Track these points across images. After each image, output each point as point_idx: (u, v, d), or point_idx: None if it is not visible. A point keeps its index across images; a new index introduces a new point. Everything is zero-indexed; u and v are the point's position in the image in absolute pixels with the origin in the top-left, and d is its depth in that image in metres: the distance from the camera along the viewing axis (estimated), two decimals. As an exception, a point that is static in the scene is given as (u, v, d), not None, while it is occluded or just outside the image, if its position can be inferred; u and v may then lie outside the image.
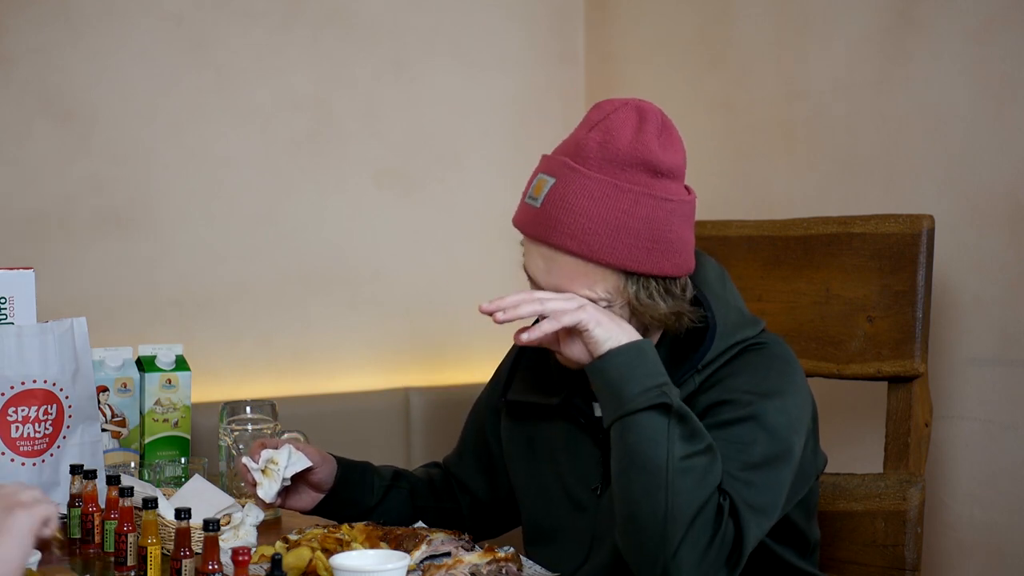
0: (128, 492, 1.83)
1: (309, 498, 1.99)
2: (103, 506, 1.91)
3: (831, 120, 2.79)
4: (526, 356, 2.01)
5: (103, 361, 2.37)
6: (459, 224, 3.37)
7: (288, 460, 1.89)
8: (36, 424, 2.11)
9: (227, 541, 1.84)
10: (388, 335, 3.30)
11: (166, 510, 1.86)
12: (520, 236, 1.83)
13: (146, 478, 2.21)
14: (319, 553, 1.68)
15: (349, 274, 3.26)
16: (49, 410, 2.12)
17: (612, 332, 1.70)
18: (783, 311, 2.36)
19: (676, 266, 1.78)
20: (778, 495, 1.75)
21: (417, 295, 3.34)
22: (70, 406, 2.14)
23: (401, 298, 3.32)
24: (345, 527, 1.81)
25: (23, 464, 2.10)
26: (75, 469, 2.02)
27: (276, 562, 1.49)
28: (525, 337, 1.70)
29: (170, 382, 2.43)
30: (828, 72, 2.80)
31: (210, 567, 1.56)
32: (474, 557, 1.68)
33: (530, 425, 1.97)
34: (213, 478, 2.13)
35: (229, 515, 1.89)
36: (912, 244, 2.20)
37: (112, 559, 1.85)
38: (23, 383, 2.10)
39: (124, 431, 2.38)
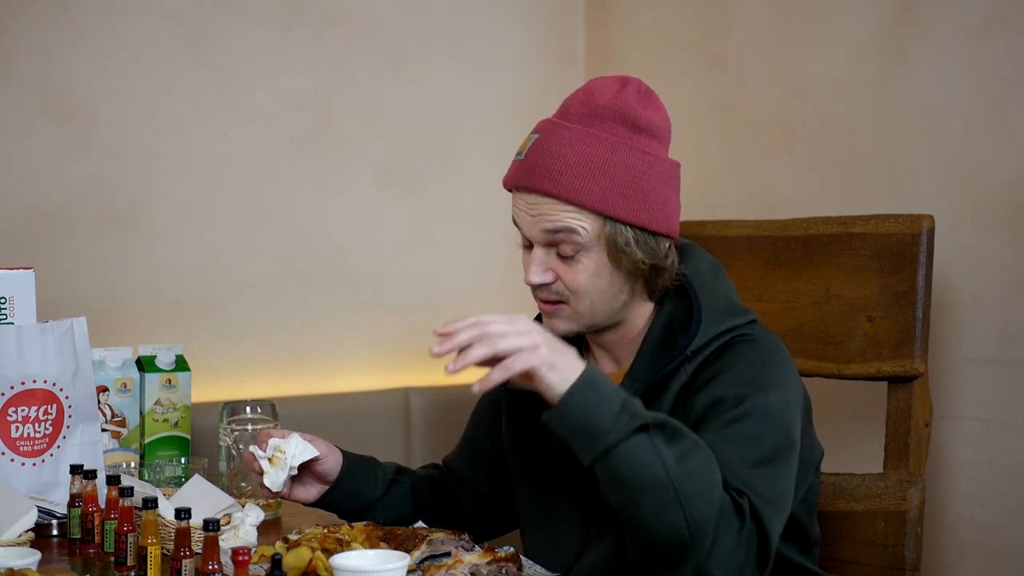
0: (128, 492, 1.83)
1: (314, 489, 1.99)
2: (103, 506, 1.91)
3: (831, 120, 2.79)
4: None
5: (103, 361, 2.37)
6: (459, 224, 3.37)
7: (295, 449, 1.89)
8: (36, 424, 2.11)
9: (227, 541, 1.84)
10: (388, 335, 3.30)
11: (166, 510, 1.86)
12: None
13: (146, 478, 2.21)
14: (319, 553, 1.68)
15: (349, 274, 3.26)
16: (49, 410, 2.12)
17: (563, 370, 1.65)
18: (783, 311, 2.36)
19: (654, 219, 1.83)
20: (790, 486, 1.77)
21: (417, 295, 3.34)
22: (70, 406, 2.14)
23: (401, 298, 3.32)
24: (345, 527, 1.81)
25: (23, 464, 2.10)
26: (75, 469, 2.02)
27: (276, 562, 1.49)
28: (477, 388, 1.66)
29: (170, 382, 2.42)
30: (828, 72, 2.80)
31: (210, 567, 1.56)
32: (474, 557, 1.68)
33: (530, 415, 1.99)
34: (213, 478, 2.13)
35: (229, 515, 1.89)
36: (912, 244, 2.20)
37: (112, 559, 1.85)
38: (23, 383, 2.10)
39: (124, 431, 2.38)
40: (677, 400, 1.83)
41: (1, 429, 2.09)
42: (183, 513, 1.66)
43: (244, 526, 1.88)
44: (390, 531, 1.81)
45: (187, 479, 2.10)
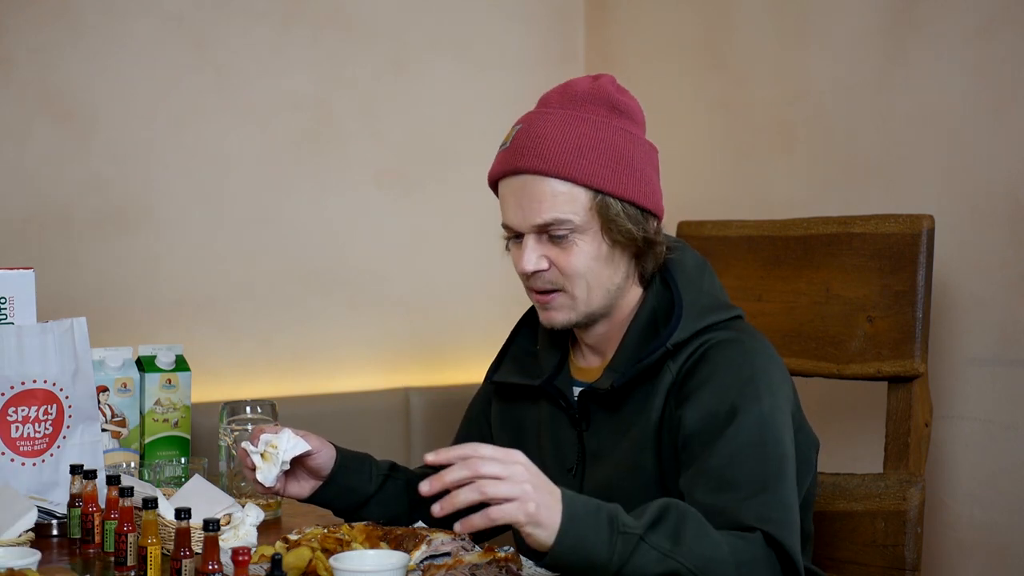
0: (128, 492, 1.83)
1: (308, 484, 1.98)
2: (103, 506, 1.91)
3: (831, 120, 2.79)
4: (517, 341, 2.06)
5: (103, 361, 2.37)
6: (459, 224, 3.37)
7: (287, 444, 1.89)
8: (36, 424, 2.11)
9: (227, 541, 1.84)
10: (388, 335, 3.30)
11: (166, 510, 1.86)
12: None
13: (146, 478, 2.21)
14: (319, 553, 1.68)
15: (349, 274, 3.27)
16: (49, 410, 2.12)
17: (547, 524, 1.57)
18: (783, 311, 2.36)
19: (642, 194, 1.84)
20: (795, 495, 1.77)
21: (417, 295, 3.34)
22: (70, 406, 2.14)
23: (401, 298, 3.32)
24: (345, 527, 1.81)
25: (23, 464, 2.10)
26: (75, 469, 2.02)
27: (276, 562, 1.49)
28: (459, 528, 1.60)
29: (170, 382, 2.42)
30: (828, 72, 2.80)
31: (210, 567, 1.56)
32: (474, 557, 1.68)
33: (518, 408, 2.01)
34: (213, 478, 2.13)
35: (229, 515, 1.89)
36: (912, 244, 2.20)
37: (112, 559, 1.85)
38: (23, 383, 2.10)
39: (124, 431, 2.38)
40: (666, 403, 1.83)
41: (1, 429, 2.09)
42: (183, 513, 1.66)
43: (244, 526, 1.88)
44: (390, 531, 1.81)
45: (187, 479, 2.10)
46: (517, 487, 1.56)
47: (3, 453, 2.09)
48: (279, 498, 2.17)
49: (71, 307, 2.59)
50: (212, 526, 1.59)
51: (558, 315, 1.88)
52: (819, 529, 2.16)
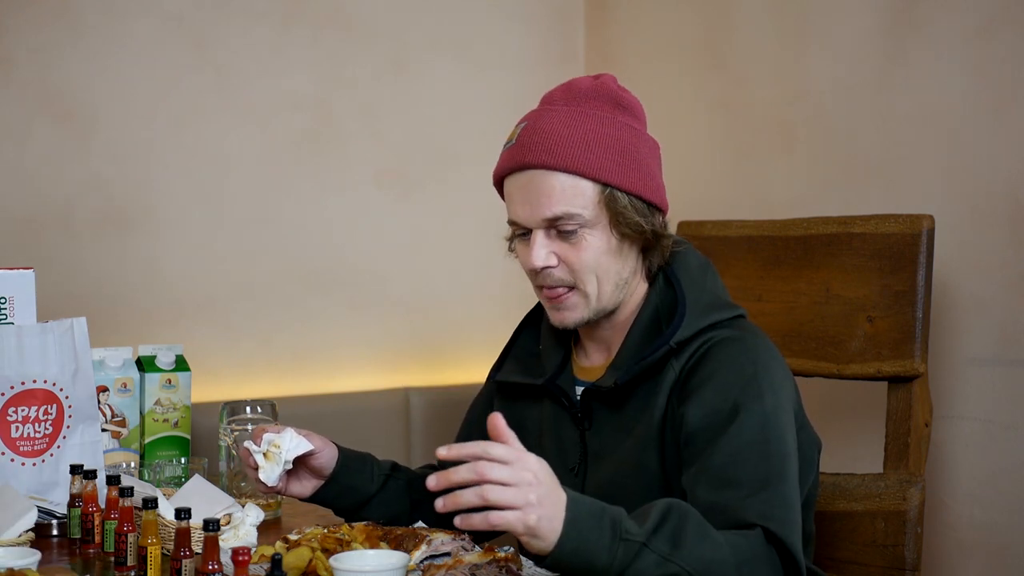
0: (128, 492, 1.83)
1: (310, 484, 1.98)
2: (103, 506, 1.91)
3: (831, 120, 2.79)
4: (519, 341, 2.06)
5: (103, 361, 2.37)
6: (459, 224, 3.37)
7: (290, 444, 1.89)
8: (36, 424, 2.11)
9: (227, 541, 1.84)
10: (388, 335, 3.30)
11: (166, 510, 1.86)
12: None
13: (146, 478, 2.21)
14: (319, 553, 1.68)
15: (349, 274, 3.27)
16: (49, 410, 2.12)
17: (546, 536, 1.56)
18: (783, 311, 2.36)
19: (648, 188, 1.85)
20: (796, 493, 1.77)
21: (417, 295, 3.34)
22: (70, 406, 2.14)
23: (401, 298, 3.32)
24: (345, 527, 1.81)
25: (23, 464, 2.10)
26: (75, 469, 2.02)
27: (276, 562, 1.49)
28: (458, 522, 1.58)
29: (170, 382, 2.42)
30: (828, 72, 2.80)
31: (210, 567, 1.56)
32: (474, 557, 1.68)
33: (520, 408, 2.01)
34: (213, 478, 2.13)
35: (229, 515, 1.89)
36: (912, 244, 2.20)
37: (112, 559, 1.85)
38: (23, 383, 2.10)
39: (124, 431, 2.38)
40: (669, 401, 1.83)
41: (1, 429, 2.09)
42: (183, 513, 1.66)
43: (244, 526, 1.88)
44: (390, 531, 1.81)
45: (187, 479, 2.10)
46: (521, 496, 1.54)
47: (3, 453, 2.09)
48: (279, 498, 2.17)
49: (71, 307, 2.59)
50: (212, 526, 1.59)
51: (571, 314, 1.87)
52: (819, 529, 2.16)
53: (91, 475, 1.97)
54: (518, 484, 1.54)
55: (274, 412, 2.24)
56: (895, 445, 2.22)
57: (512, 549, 1.72)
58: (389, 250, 3.31)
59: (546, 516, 1.55)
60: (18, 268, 2.17)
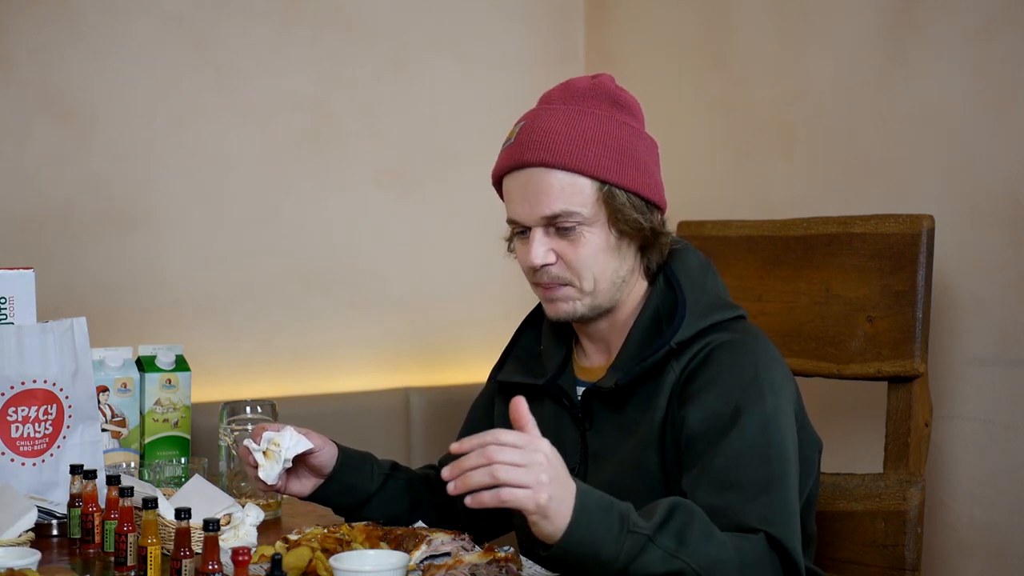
0: (128, 492, 1.83)
1: (309, 482, 1.98)
2: (103, 506, 1.91)
3: (831, 120, 2.79)
4: (520, 341, 2.06)
5: (103, 361, 2.37)
6: (459, 224, 3.37)
7: (289, 442, 1.89)
8: (36, 424, 2.11)
9: (227, 541, 1.84)
10: (388, 335, 3.30)
11: (166, 510, 1.86)
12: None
13: (146, 478, 2.21)
14: (319, 553, 1.68)
15: (349, 274, 3.27)
16: (49, 410, 2.12)
17: (555, 518, 1.57)
18: (783, 311, 2.36)
19: (646, 186, 1.86)
20: (796, 495, 1.77)
21: (417, 295, 3.34)
22: (70, 406, 2.14)
23: (401, 298, 3.32)
24: (345, 527, 1.81)
25: (23, 464, 2.10)
26: (75, 469, 2.02)
27: (276, 562, 1.49)
28: (469, 502, 1.58)
29: (170, 382, 2.42)
30: (828, 72, 2.80)
31: (210, 567, 1.56)
32: (474, 557, 1.68)
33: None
34: (213, 478, 2.13)
35: (229, 515, 1.89)
36: (912, 244, 2.20)
37: (112, 559, 1.85)
38: (23, 383, 2.10)
39: (124, 431, 2.38)
40: (670, 402, 1.83)
41: (1, 429, 2.09)
42: (183, 513, 1.66)
43: (244, 526, 1.88)
44: (390, 531, 1.81)
45: (187, 479, 2.10)
46: (532, 476, 1.55)
47: (3, 453, 2.09)
48: (279, 498, 2.17)
49: (71, 307, 2.59)
50: (212, 526, 1.59)
51: (564, 305, 1.88)
52: (820, 529, 2.16)
53: (91, 475, 1.97)
54: (529, 465, 1.55)
55: (274, 412, 2.24)
56: (895, 445, 2.22)
57: (512, 549, 1.72)
58: (389, 250, 3.31)
59: (556, 497, 1.56)
60: (18, 268, 2.17)
